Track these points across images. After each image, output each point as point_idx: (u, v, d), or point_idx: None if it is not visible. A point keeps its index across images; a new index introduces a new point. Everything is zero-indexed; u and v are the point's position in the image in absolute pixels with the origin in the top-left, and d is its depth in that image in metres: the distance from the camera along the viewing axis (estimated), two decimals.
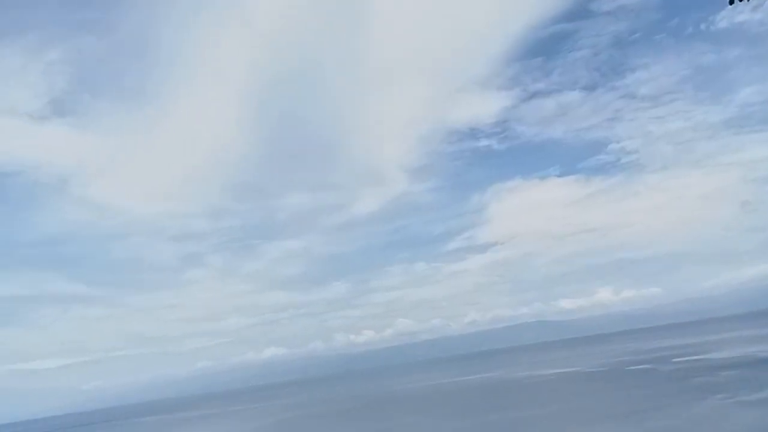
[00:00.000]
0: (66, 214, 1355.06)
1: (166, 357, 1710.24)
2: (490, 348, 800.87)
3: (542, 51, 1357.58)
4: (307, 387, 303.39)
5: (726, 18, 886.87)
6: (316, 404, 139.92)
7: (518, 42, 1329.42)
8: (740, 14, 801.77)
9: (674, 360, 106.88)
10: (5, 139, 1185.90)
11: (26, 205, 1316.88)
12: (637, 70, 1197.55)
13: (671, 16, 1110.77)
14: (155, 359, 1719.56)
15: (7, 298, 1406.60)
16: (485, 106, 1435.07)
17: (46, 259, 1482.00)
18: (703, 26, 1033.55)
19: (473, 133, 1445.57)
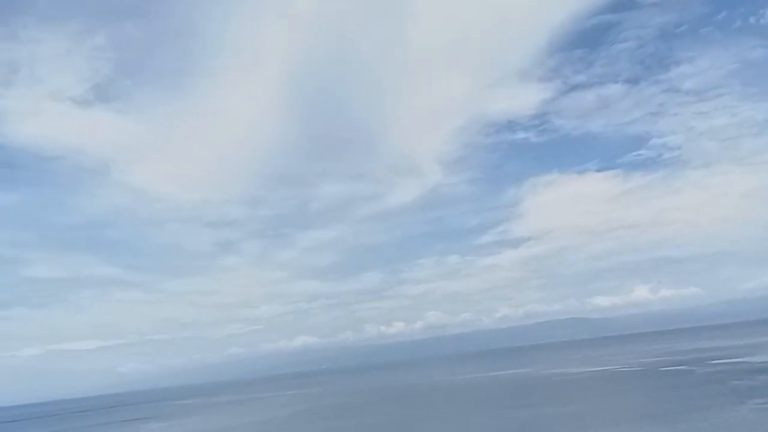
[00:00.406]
0: (107, 198, 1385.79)
1: (199, 342, 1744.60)
2: (521, 344, 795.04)
3: (584, 42, 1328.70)
4: (337, 376, 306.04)
5: None
6: (347, 394, 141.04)
7: (560, 33, 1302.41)
8: None
9: (711, 362, 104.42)
10: (50, 124, 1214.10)
11: (68, 189, 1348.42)
12: (682, 64, 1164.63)
13: (719, 9, 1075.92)
14: (189, 344, 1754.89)
15: (47, 280, 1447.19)
16: (524, 99, 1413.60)
17: (85, 242, 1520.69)
18: (752, 20, 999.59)
19: (511, 125, 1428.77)
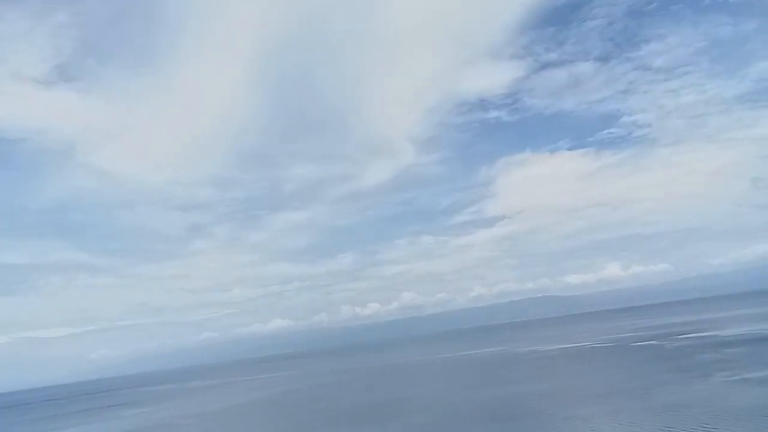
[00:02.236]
0: (72, 181, 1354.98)
1: (171, 327, 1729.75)
2: (495, 322, 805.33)
3: (556, 20, 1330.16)
4: (312, 359, 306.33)
5: None
6: (322, 375, 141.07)
7: (531, 10, 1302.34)
8: None
9: (680, 337, 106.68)
10: (11, 105, 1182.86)
11: (31, 172, 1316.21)
12: (651, 41, 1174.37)
13: None
14: (161, 329, 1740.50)
15: (13, 266, 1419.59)
16: (496, 77, 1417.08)
17: (51, 227, 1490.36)
18: None
19: (483, 104, 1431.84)
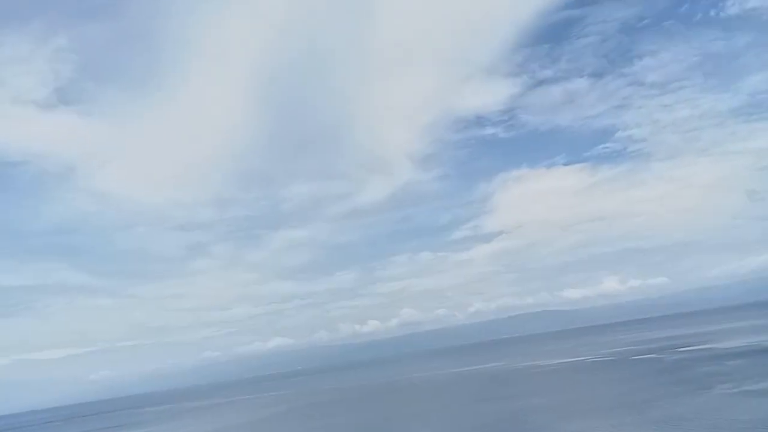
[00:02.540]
0: (72, 203, 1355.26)
1: (172, 347, 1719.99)
2: (495, 338, 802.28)
3: (550, 37, 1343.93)
4: (313, 377, 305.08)
5: (736, 4, 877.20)
6: (324, 393, 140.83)
7: (526, 28, 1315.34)
8: (751, 0, 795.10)
9: (680, 349, 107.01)
10: (11, 128, 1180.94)
11: (32, 195, 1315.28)
12: (645, 57, 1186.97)
13: (680, 2, 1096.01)
14: (162, 349, 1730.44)
15: (12, 288, 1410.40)
16: (492, 94, 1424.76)
17: (51, 249, 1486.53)
18: (712, 12, 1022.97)
19: (479, 121, 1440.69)
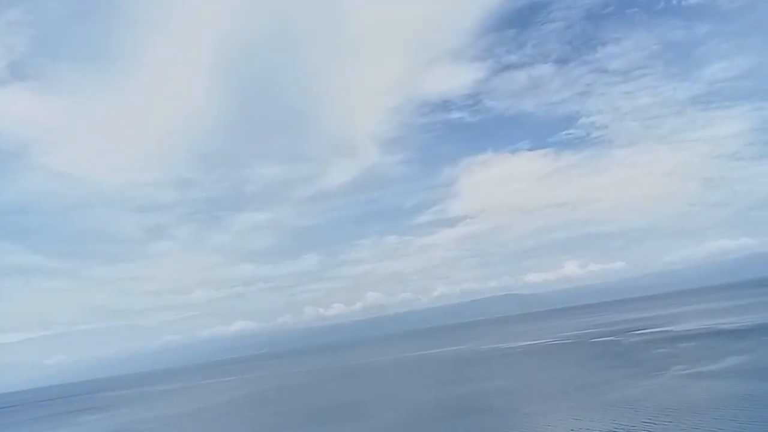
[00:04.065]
0: (27, 182, 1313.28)
1: (131, 331, 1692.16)
2: (458, 321, 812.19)
3: (516, 22, 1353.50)
4: (277, 360, 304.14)
5: None
6: (287, 377, 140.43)
7: (492, 12, 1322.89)
8: None
9: (637, 332, 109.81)
10: None
11: None
12: (608, 45, 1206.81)
13: None
14: (120, 333, 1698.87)
15: None
16: (458, 78, 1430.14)
17: (5, 229, 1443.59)
18: (674, 1, 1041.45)
19: (445, 105, 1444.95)
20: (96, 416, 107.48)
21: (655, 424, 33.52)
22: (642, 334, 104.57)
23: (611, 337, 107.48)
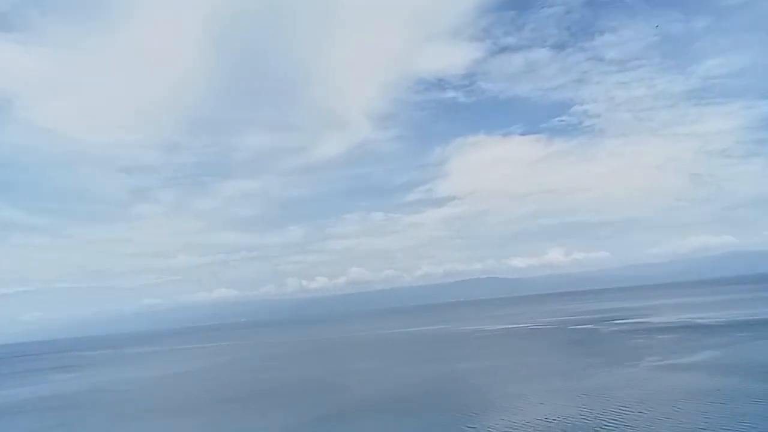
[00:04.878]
0: (8, 137, 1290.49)
1: (111, 292, 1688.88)
2: (441, 301, 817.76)
3: (516, 4, 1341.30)
4: (258, 330, 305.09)
5: None
6: (267, 347, 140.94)
7: None
8: None
9: (615, 322, 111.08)
10: None
11: None
12: (606, 33, 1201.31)
13: None
14: (100, 293, 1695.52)
15: None
16: (454, 57, 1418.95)
17: None
18: None
19: (440, 83, 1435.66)
20: (72, 375, 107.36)
21: (626, 412, 33.91)
22: (620, 324, 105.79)
23: (590, 326, 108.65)
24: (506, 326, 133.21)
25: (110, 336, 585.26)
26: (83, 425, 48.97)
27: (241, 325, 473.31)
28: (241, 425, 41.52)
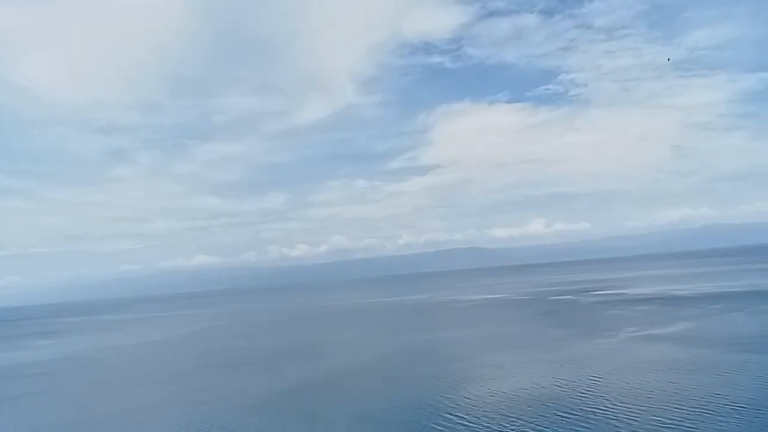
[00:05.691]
0: None
1: (88, 257, 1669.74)
2: (422, 271, 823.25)
3: None
4: (238, 297, 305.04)
5: None
6: (248, 314, 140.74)
7: None
8: None
9: (594, 293, 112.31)
10: None
11: None
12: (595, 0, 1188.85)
13: None
14: (77, 258, 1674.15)
15: None
16: (441, 20, 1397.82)
17: None
18: None
19: (426, 48, 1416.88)
20: (49, 341, 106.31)
21: (602, 382, 34.13)
22: (599, 295, 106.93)
23: (569, 296, 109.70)
24: (486, 296, 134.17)
25: (87, 302, 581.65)
26: (64, 392, 48.36)
27: (221, 293, 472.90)
28: (221, 393, 41.17)
